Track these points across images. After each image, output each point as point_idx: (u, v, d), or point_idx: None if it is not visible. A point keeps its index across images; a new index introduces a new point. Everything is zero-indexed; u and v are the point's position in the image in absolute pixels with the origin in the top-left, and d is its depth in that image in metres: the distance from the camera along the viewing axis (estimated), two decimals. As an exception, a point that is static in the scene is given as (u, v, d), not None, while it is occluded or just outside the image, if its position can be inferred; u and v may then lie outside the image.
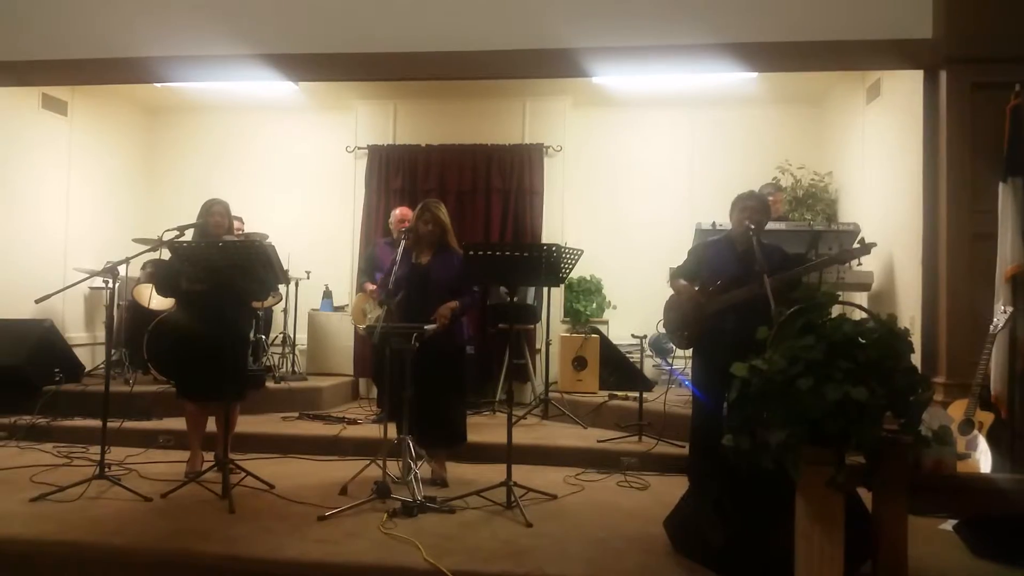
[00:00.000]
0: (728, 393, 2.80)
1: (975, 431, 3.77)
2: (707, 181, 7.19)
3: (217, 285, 4.21)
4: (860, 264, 5.26)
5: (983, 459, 3.65)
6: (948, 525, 3.71)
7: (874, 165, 6.08)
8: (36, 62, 5.31)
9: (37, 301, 4.32)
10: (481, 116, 7.47)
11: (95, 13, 5.14)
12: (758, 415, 2.69)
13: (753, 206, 4.23)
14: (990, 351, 3.93)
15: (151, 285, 6.39)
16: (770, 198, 5.84)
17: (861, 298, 5.77)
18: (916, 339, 4.54)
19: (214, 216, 4.56)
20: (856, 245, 4.04)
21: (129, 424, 5.43)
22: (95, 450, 4.60)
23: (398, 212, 5.93)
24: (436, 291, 4.47)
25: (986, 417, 3.79)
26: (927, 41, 4.63)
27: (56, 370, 6.12)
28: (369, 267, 5.87)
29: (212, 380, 4.34)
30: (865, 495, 2.92)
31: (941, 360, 4.61)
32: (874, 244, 4.19)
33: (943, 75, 4.71)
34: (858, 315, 3.39)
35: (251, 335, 5.90)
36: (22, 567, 3.35)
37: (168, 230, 4.34)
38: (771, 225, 5.35)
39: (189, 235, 4.39)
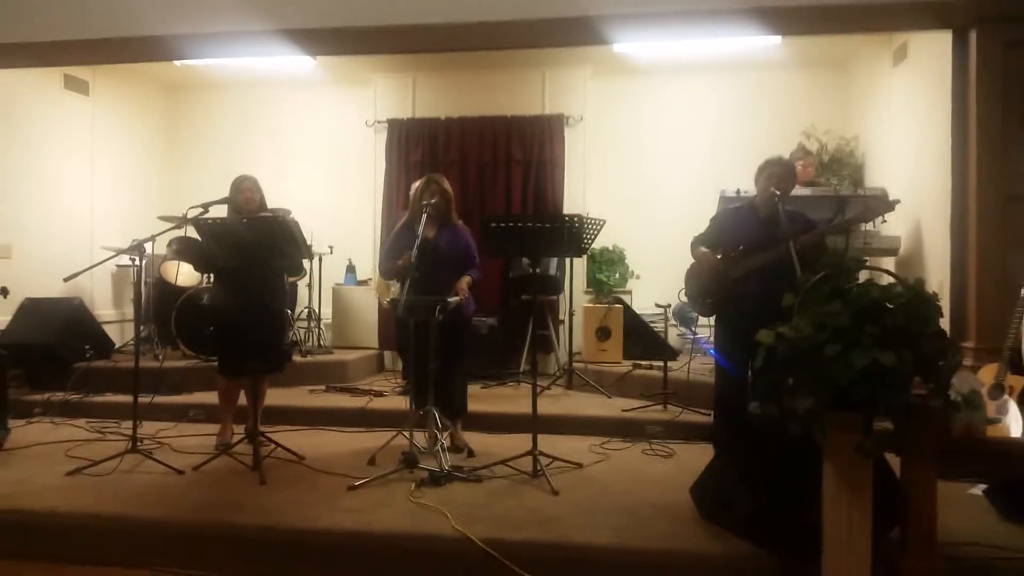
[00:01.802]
0: (752, 360, 2.79)
1: (1005, 395, 3.73)
2: (730, 148, 7.09)
3: (249, 261, 4.25)
4: (884, 221, 5.18)
5: (1013, 423, 3.61)
6: (978, 489, 3.69)
7: (901, 129, 5.97)
8: (56, 43, 5.32)
9: (66, 279, 4.37)
10: (500, 87, 7.40)
11: (114, -8, 5.15)
12: (784, 382, 2.68)
13: (779, 173, 4.20)
14: (1021, 315, 3.86)
15: (178, 262, 6.47)
16: (799, 163, 5.76)
17: (888, 263, 5.70)
18: (945, 303, 4.46)
19: (243, 192, 4.60)
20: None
21: (160, 399, 5.53)
22: (127, 425, 4.70)
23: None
24: (445, 264, 4.51)
25: (1017, 381, 3.75)
26: (957, 0, 4.51)
27: (87, 347, 6.23)
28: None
29: (251, 354, 4.37)
30: (894, 460, 2.91)
31: (971, 324, 4.55)
32: (897, 201, 4.14)
33: (973, 35, 4.59)
34: (886, 280, 3.35)
35: (288, 309, 5.98)
36: (60, 539, 3.44)
37: (192, 207, 4.37)
38: (798, 191, 5.30)
39: (215, 211, 4.41)
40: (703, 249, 4.43)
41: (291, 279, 6.61)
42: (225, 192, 4.64)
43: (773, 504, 3.02)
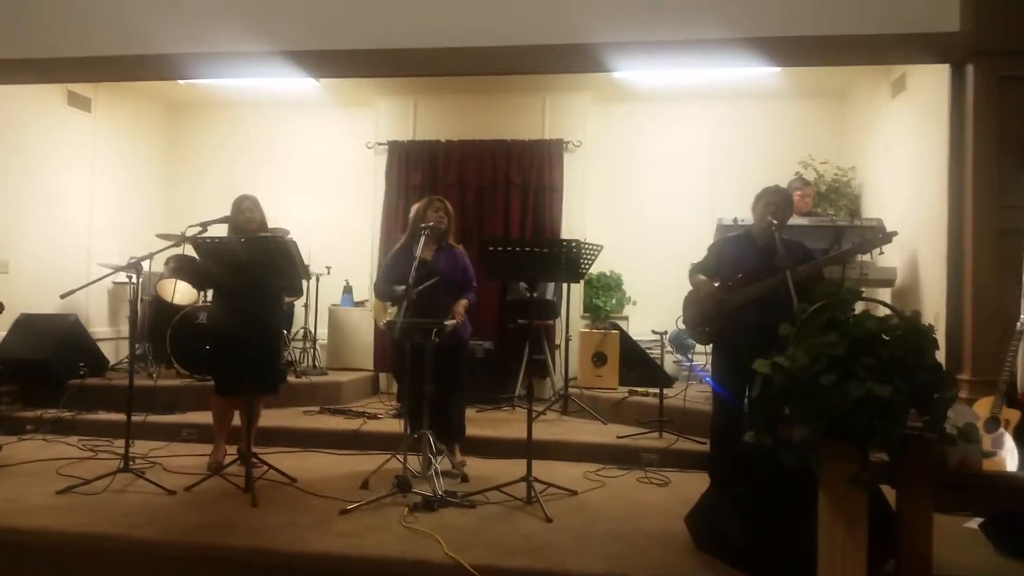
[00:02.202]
0: (749, 389, 2.79)
1: (1001, 429, 3.72)
2: (728, 176, 7.15)
3: (248, 281, 4.25)
4: (882, 253, 5.19)
5: (1009, 457, 3.60)
6: (973, 523, 3.67)
7: (898, 160, 6.01)
8: (61, 59, 5.35)
9: (62, 296, 4.36)
10: (501, 111, 7.46)
11: (119, 10, 5.18)
12: (780, 411, 2.67)
13: (777, 201, 4.22)
14: (1016, 348, 3.86)
15: (175, 280, 6.46)
16: (798, 193, 5.79)
17: (884, 294, 5.71)
18: (940, 336, 4.49)
19: (243, 212, 4.62)
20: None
21: (153, 418, 5.50)
22: (119, 443, 4.66)
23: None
24: (442, 286, 4.49)
25: (1012, 415, 3.74)
26: (954, 34, 4.55)
27: (81, 364, 6.20)
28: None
29: (248, 375, 4.35)
30: (889, 492, 2.90)
31: (966, 357, 4.56)
32: (895, 232, 4.15)
33: (970, 68, 4.64)
34: (882, 311, 3.36)
35: (284, 329, 5.96)
36: (49, 559, 3.40)
37: (191, 226, 4.37)
38: (795, 220, 5.33)
39: (215, 231, 4.41)
40: (701, 277, 4.44)
41: (288, 299, 6.61)
42: (225, 211, 4.66)
43: (768, 534, 3.00)
